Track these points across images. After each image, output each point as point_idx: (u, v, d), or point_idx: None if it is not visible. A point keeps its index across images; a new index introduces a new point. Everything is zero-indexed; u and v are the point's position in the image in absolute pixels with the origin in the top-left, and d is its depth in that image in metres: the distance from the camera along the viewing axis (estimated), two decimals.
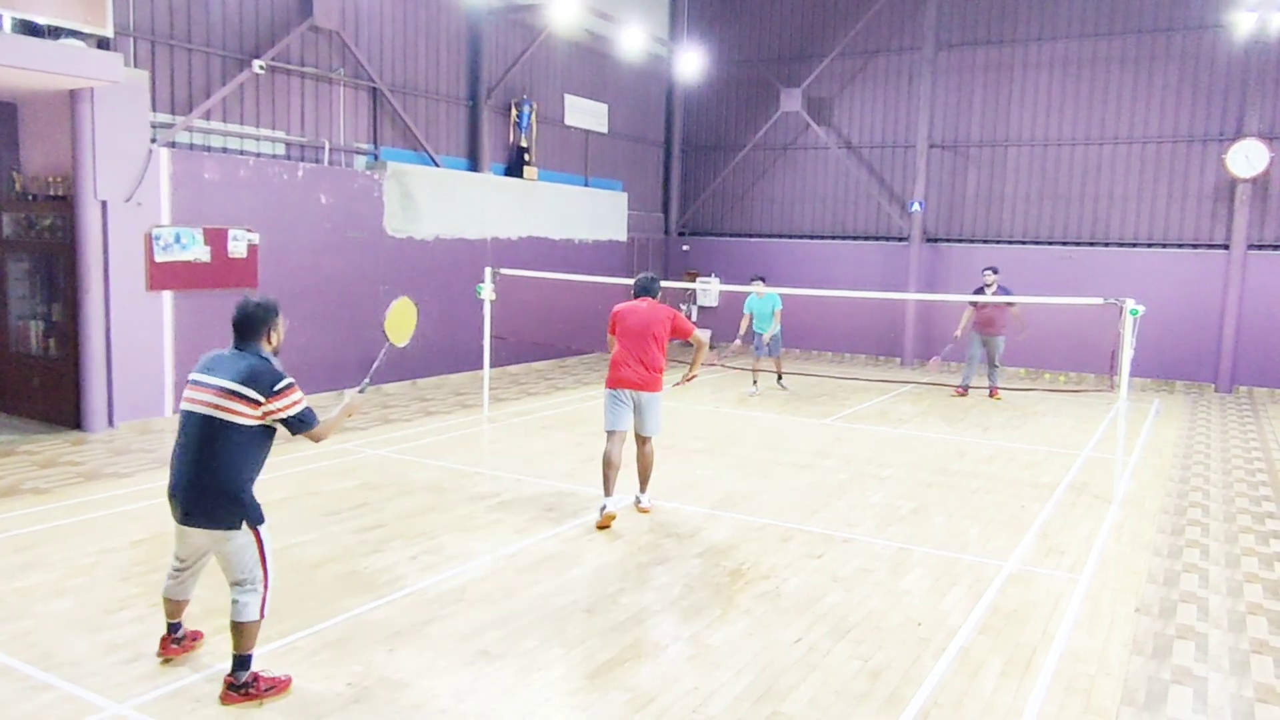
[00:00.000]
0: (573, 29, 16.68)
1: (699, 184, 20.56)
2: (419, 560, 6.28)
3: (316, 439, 4.54)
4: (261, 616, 4.36)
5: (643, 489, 7.65)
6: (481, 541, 6.71)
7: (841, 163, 18.78)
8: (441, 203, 13.90)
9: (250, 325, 4.47)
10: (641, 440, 7.49)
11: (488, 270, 11.51)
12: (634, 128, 19.50)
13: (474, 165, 15.26)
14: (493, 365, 12.20)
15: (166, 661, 4.70)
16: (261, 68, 11.58)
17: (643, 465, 7.56)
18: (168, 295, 10.32)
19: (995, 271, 13.81)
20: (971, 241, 17.68)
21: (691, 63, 17.92)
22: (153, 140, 10.33)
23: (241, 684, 4.30)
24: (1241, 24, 14.30)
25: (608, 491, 7.23)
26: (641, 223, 19.82)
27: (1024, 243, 17.20)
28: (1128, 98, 16.25)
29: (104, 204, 9.63)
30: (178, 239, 10.31)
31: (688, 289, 19.57)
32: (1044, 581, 6.25)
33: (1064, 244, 16.84)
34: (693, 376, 7.86)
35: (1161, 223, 16.19)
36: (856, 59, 18.53)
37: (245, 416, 4.25)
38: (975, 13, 17.33)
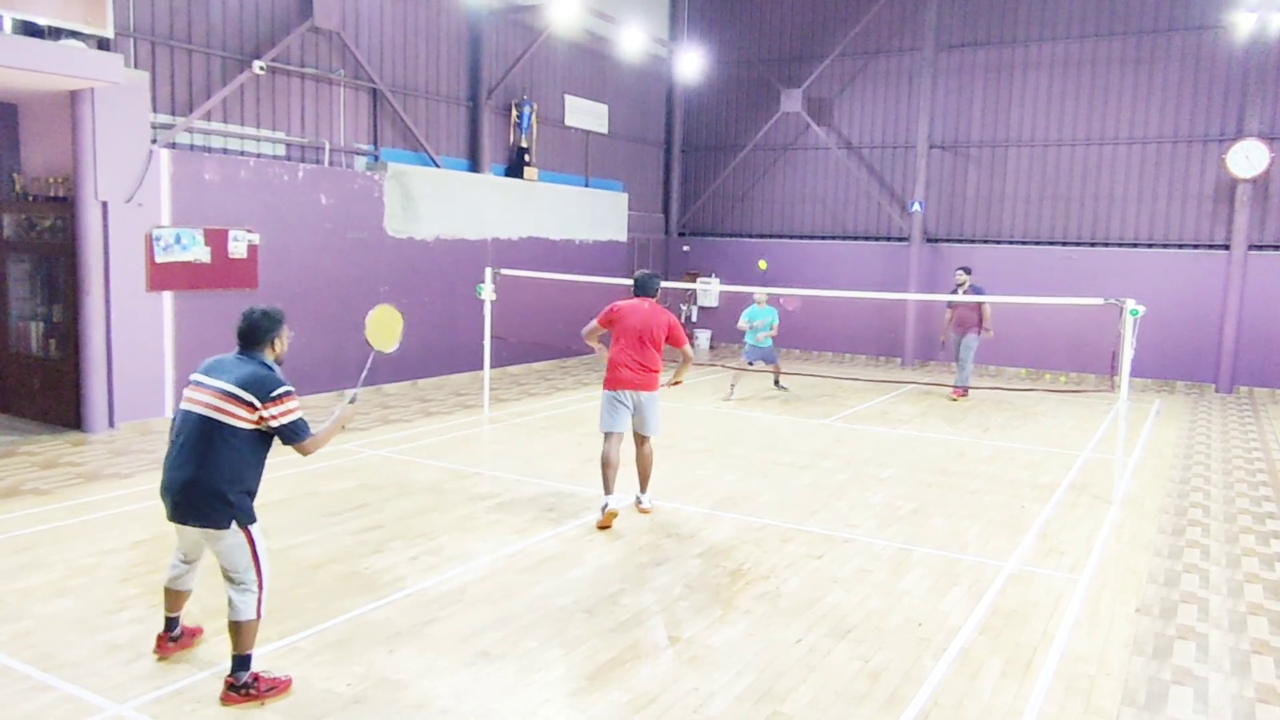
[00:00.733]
0: (573, 29, 16.69)
1: (699, 184, 20.57)
2: (419, 561, 6.28)
3: (305, 452, 4.58)
4: (258, 616, 4.37)
5: (643, 489, 7.62)
6: (482, 542, 6.71)
7: (842, 163, 18.78)
8: (442, 203, 13.90)
9: (255, 334, 4.50)
10: (640, 440, 7.46)
11: (488, 270, 11.52)
12: (634, 128, 19.50)
13: (474, 166, 15.27)
14: (493, 366, 12.21)
15: (163, 659, 4.73)
16: (262, 68, 11.58)
17: (642, 465, 7.52)
18: (168, 296, 10.33)
19: (968, 272, 13.73)
20: (972, 242, 17.68)
21: (692, 63, 17.92)
22: (153, 141, 10.34)
23: (241, 684, 4.31)
24: (1242, 24, 14.31)
25: (608, 490, 7.21)
26: (642, 223, 19.83)
27: (1024, 243, 17.20)
28: (1128, 98, 16.25)
29: (104, 205, 9.63)
30: (178, 240, 10.32)
31: (688, 289, 19.58)
32: (1044, 582, 6.25)
33: (1064, 244, 16.84)
34: (677, 383, 7.78)
35: (1162, 223, 16.19)
36: (857, 59, 18.53)
37: (242, 420, 4.30)
38: (975, 13, 17.33)
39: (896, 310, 17.79)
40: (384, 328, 5.46)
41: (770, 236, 19.64)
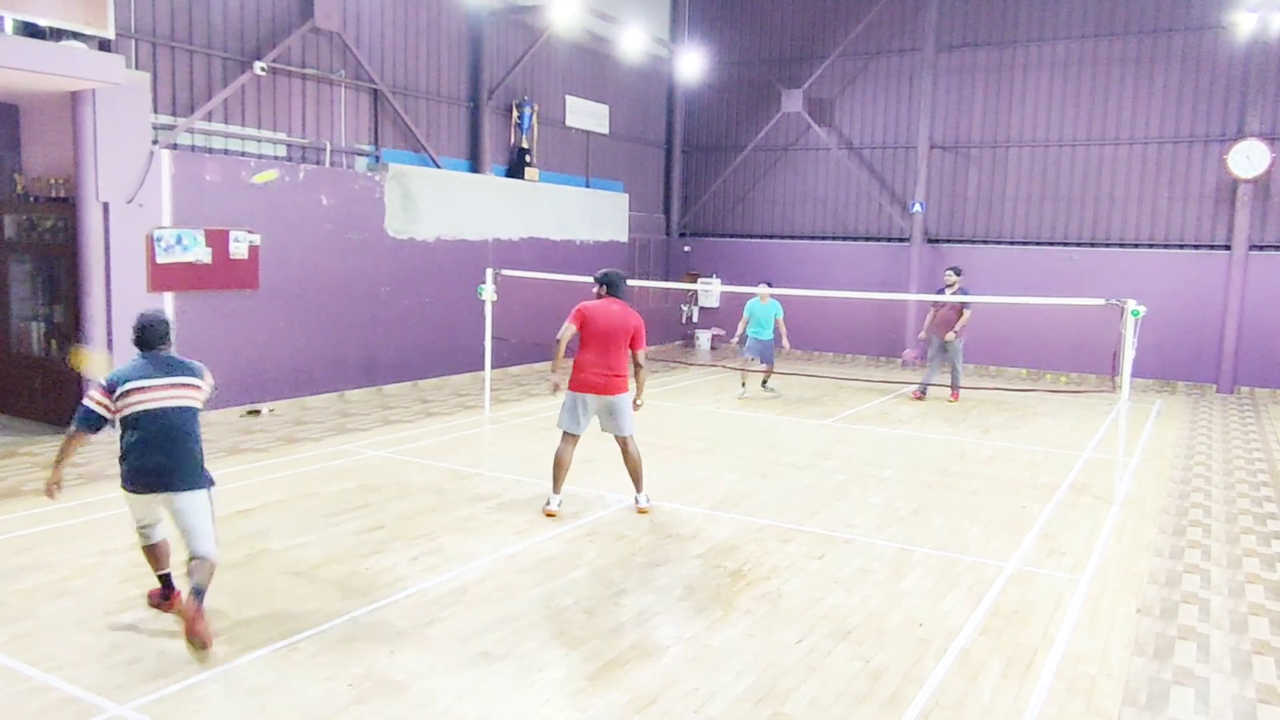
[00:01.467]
0: (574, 30, 16.69)
1: (700, 185, 20.57)
2: (420, 561, 6.28)
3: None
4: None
5: (638, 489, 7.58)
6: (482, 542, 6.72)
7: (842, 164, 18.78)
8: (442, 204, 13.90)
9: (163, 332, 5.14)
10: (621, 441, 7.42)
11: (489, 271, 11.51)
12: (635, 129, 19.51)
13: (475, 166, 15.27)
14: (494, 366, 12.21)
15: (156, 607, 5.28)
16: (262, 69, 11.59)
17: (631, 466, 7.48)
18: (169, 297, 10.33)
19: (958, 273, 13.54)
20: (972, 242, 17.68)
21: (692, 64, 17.92)
22: (154, 142, 10.35)
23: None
24: (1242, 24, 14.30)
25: (556, 488, 7.34)
26: (643, 224, 19.83)
27: (1025, 243, 17.20)
28: (1128, 98, 16.25)
29: (105, 205, 9.64)
30: (179, 240, 10.32)
31: (689, 290, 19.58)
32: (1045, 582, 6.25)
33: (1065, 244, 16.84)
34: (640, 403, 7.49)
35: (1163, 223, 16.18)
36: (857, 60, 18.53)
37: (201, 400, 5.19)
38: (976, 14, 17.33)
39: (897, 311, 17.79)
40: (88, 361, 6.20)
41: (771, 237, 19.64)
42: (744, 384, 13.85)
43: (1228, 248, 15.56)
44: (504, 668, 4.76)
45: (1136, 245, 16.33)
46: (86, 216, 9.56)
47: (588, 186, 18.05)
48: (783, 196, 19.60)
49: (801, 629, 5.34)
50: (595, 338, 7.17)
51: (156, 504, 5.03)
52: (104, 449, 9.18)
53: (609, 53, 17.90)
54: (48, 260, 10.26)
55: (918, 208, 17.69)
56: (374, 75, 13.23)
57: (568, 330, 7.27)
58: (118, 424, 4.96)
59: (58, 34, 8.79)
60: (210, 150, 11.31)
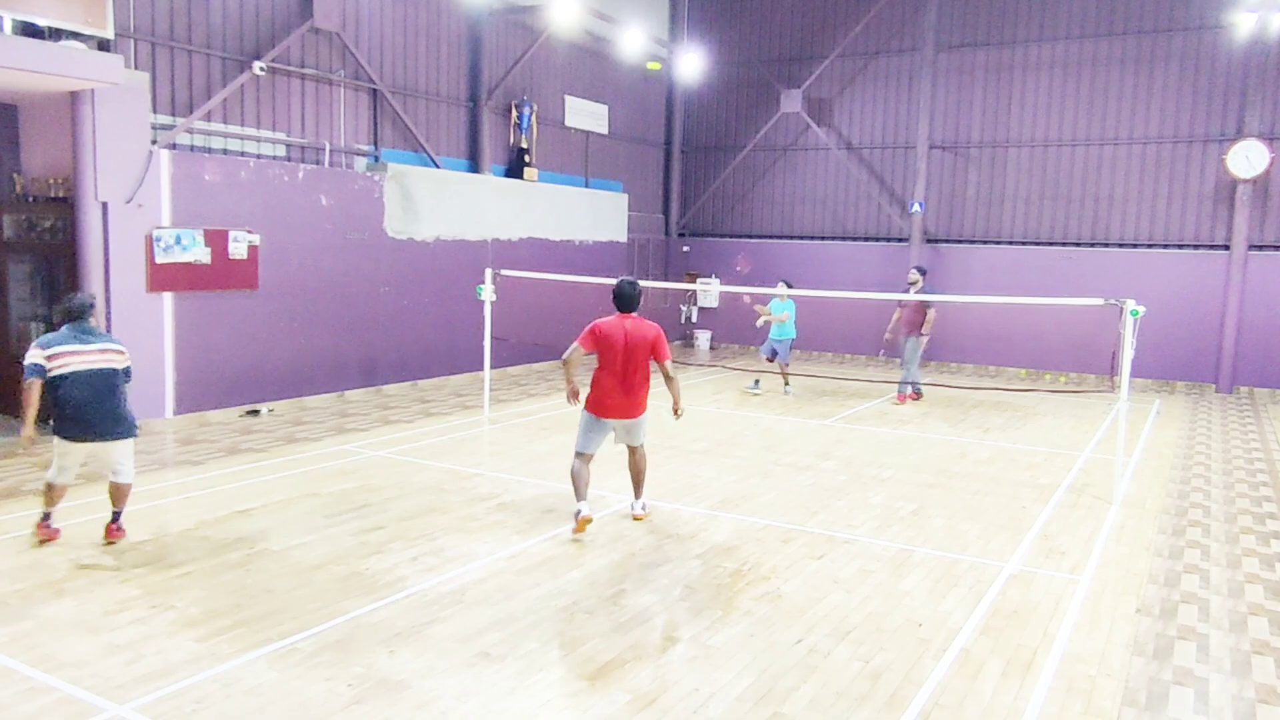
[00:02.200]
0: (573, 30, 16.69)
1: (699, 185, 20.57)
2: (420, 562, 6.28)
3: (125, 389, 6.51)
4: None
5: (637, 494, 7.37)
6: (482, 543, 6.71)
7: (842, 164, 18.78)
8: (442, 204, 13.90)
9: (87, 309, 6.35)
10: (632, 450, 7.24)
11: (488, 271, 11.51)
12: (634, 129, 19.51)
13: (474, 166, 15.27)
14: (493, 366, 12.21)
15: (43, 544, 6.28)
16: (262, 69, 11.59)
17: (636, 469, 7.28)
18: (168, 297, 10.32)
19: (923, 272, 13.54)
20: (972, 242, 17.68)
21: (691, 64, 17.92)
22: (153, 142, 10.34)
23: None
24: (1242, 24, 14.30)
25: (581, 496, 6.94)
26: (642, 224, 19.83)
27: (1024, 243, 17.20)
28: (1128, 98, 16.26)
29: (105, 205, 9.63)
30: (178, 240, 10.32)
31: (688, 290, 19.58)
32: (1044, 583, 6.25)
33: (1064, 245, 16.84)
34: (680, 410, 7.15)
35: (1162, 223, 16.19)
36: (857, 60, 18.53)
37: (121, 364, 6.36)
38: (975, 14, 17.33)
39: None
40: None
41: (770, 237, 19.64)
42: (757, 381, 13.98)
43: (1227, 248, 15.57)
44: (504, 668, 4.76)
45: (1136, 245, 16.34)
46: (85, 216, 9.56)
47: (587, 187, 18.05)
48: (782, 197, 19.60)
49: (801, 629, 5.34)
50: (613, 359, 6.83)
51: (84, 451, 6.22)
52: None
53: (608, 53, 17.90)
54: (47, 260, 10.25)
55: (917, 208, 17.69)
56: (373, 75, 13.23)
57: (576, 351, 6.93)
58: (48, 383, 6.05)
59: (57, 34, 8.79)
60: (209, 150, 11.30)
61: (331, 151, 12.78)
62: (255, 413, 11.19)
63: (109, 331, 9.75)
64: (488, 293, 11.27)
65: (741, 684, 4.65)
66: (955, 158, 17.74)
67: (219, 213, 10.77)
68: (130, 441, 6.38)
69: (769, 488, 8.52)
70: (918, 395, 13.80)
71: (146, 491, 7.69)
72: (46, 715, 4.18)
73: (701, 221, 20.64)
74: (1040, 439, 11.22)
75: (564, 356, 6.99)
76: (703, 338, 20.24)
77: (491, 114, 15.43)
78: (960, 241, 17.79)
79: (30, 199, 10.17)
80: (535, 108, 16.22)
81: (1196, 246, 15.91)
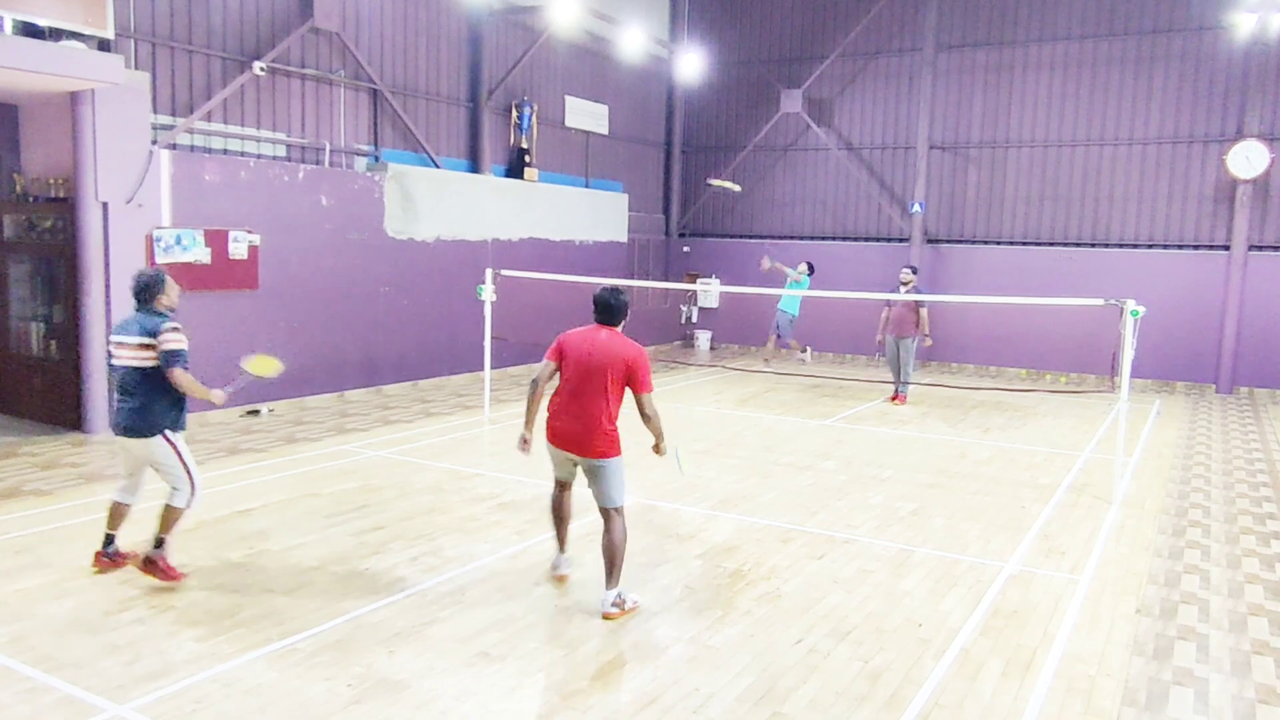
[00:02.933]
0: (573, 30, 16.69)
1: (700, 185, 20.57)
2: (419, 562, 6.28)
3: (173, 379, 5.54)
4: (188, 506, 5.76)
5: (609, 581, 5.51)
6: (482, 543, 6.72)
7: (842, 164, 18.78)
8: (442, 204, 13.90)
9: (141, 289, 5.63)
10: (603, 514, 5.59)
11: (488, 271, 11.51)
12: (634, 129, 19.50)
13: (474, 166, 15.27)
14: (494, 367, 12.20)
15: (100, 572, 5.80)
16: (262, 69, 11.59)
17: (606, 545, 5.53)
18: None
19: (914, 271, 13.30)
20: (972, 243, 17.68)
21: (692, 64, 17.91)
22: (153, 142, 10.34)
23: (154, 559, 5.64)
24: (1242, 25, 14.30)
25: (560, 545, 6.00)
26: (642, 224, 19.83)
27: (1024, 244, 17.20)
28: (1128, 99, 16.26)
29: (105, 205, 9.63)
30: (178, 240, 10.32)
31: (689, 290, 19.58)
32: (1044, 583, 6.25)
33: (1064, 245, 16.84)
34: (661, 448, 5.78)
35: (1162, 224, 16.19)
36: (857, 60, 18.53)
37: (151, 359, 5.53)
38: (975, 14, 17.33)
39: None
40: (265, 366, 6.30)
41: (771, 237, 19.63)
42: (805, 350, 15.14)
43: (1227, 248, 15.57)
44: (504, 668, 4.76)
45: (1136, 245, 16.34)
46: (86, 217, 9.56)
47: (587, 187, 18.05)
48: (782, 197, 19.61)
49: (801, 629, 5.34)
50: (571, 376, 5.57)
51: (125, 449, 5.76)
52: (104, 449, 9.19)
53: (608, 53, 17.90)
54: (47, 260, 10.25)
55: (917, 208, 17.69)
56: (373, 75, 13.23)
57: (545, 369, 5.70)
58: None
59: (57, 34, 8.80)
60: (209, 150, 11.30)
61: (331, 152, 12.78)
62: (255, 413, 11.20)
63: (110, 332, 9.76)
64: (488, 293, 11.27)
65: (741, 684, 4.66)
66: (955, 158, 17.74)
67: (219, 213, 10.78)
68: (156, 441, 5.62)
69: (769, 488, 8.52)
70: (902, 397, 13.59)
71: (146, 491, 7.68)
72: (46, 715, 4.19)
73: (702, 222, 20.64)
74: (1040, 439, 11.22)
75: (534, 378, 5.76)
76: (703, 338, 20.25)
77: (492, 114, 15.43)
78: (960, 242, 17.79)
79: (30, 199, 10.17)
80: (535, 108, 16.22)
81: (1196, 247, 15.91)
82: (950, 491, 8.61)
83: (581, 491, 5.90)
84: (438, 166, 14.35)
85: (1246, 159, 15.03)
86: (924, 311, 13.11)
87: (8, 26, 8.44)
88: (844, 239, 18.91)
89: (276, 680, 4.54)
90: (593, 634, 5.20)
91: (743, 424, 11.66)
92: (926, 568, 6.46)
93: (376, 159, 13.47)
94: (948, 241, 17.89)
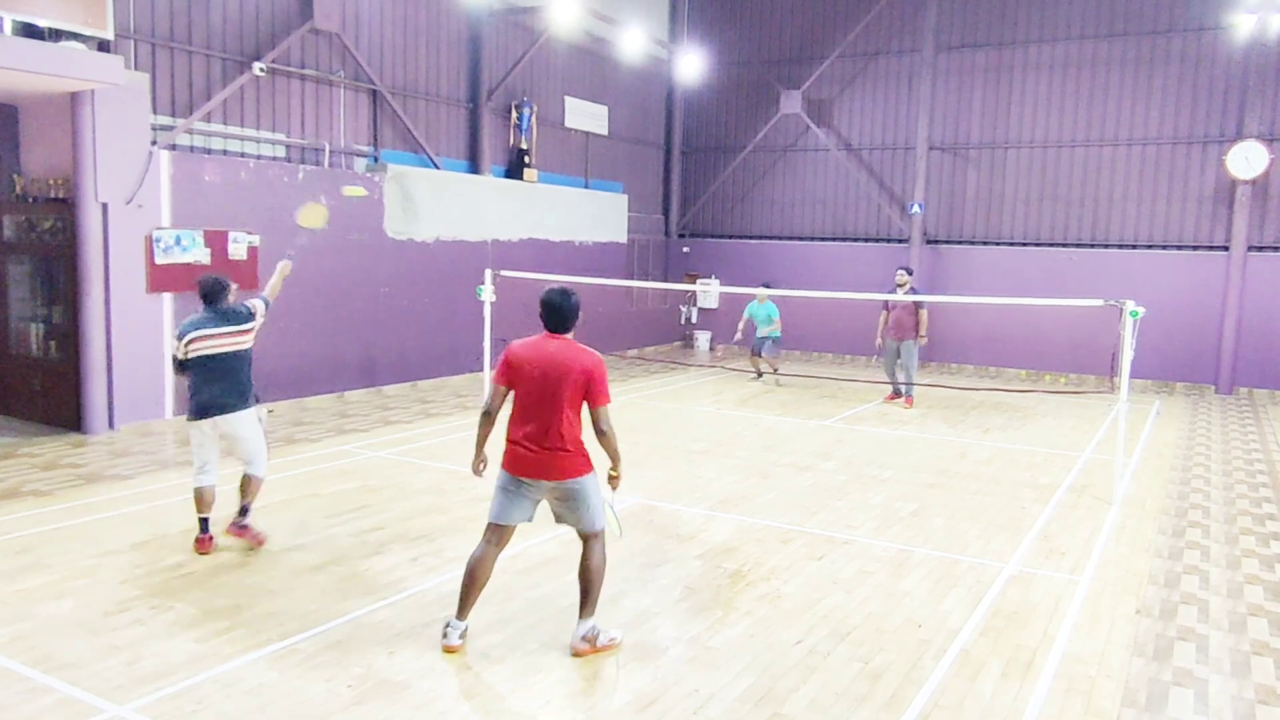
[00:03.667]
0: (573, 31, 16.70)
1: (699, 186, 20.57)
2: (419, 562, 6.28)
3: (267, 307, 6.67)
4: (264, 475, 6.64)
5: (584, 611, 5.00)
6: None
7: (841, 164, 18.79)
8: (442, 204, 13.90)
9: (215, 289, 6.36)
10: (583, 539, 5.09)
11: (488, 272, 11.52)
12: (634, 130, 19.51)
13: (474, 167, 15.27)
14: (493, 367, 12.19)
15: (203, 554, 6.23)
16: (262, 70, 11.59)
17: (586, 574, 5.04)
18: (168, 297, 10.33)
19: (910, 272, 13.22)
20: (971, 243, 17.69)
21: (691, 65, 17.93)
22: (153, 142, 10.34)
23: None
24: (1241, 26, 14.31)
25: (460, 611, 4.99)
26: (642, 224, 19.84)
27: (1024, 244, 17.21)
28: (1128, 99, 16.26)
29: (104, 206, 9.63)
30: (178, 241, 10.32)
31: (688, 290, 19.59)
32: (1044, 583, 6.25)
33: (1064, 245, 16.85)
34: (617, 478, 5.15)
35: (1161, 224, 16.19)
36: (856, 61, 18.54)
37: (247, 343, 6.42)
38: (975, 15, 17.34)
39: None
40: (314, 217, 7.10)
41: (770, 238, 19.64)
42: (759, 375, 15.09)
43: (1226, 249, 15.57)
44: (504, 669, 4.76)
45: (1135, 246, 16.34)
46: (85, 217, 9.56)
47: (587, 187, 18.05)
48: (782, 197, 19.61)
49: (801, 630, 5.35)
50: (524, 395, 4.89)
51: (210, 428, 6.34)
52: (103, 449, 9.18)
53: (608, 54, 17.90)
54: (47, 261, 10.25)
55: (917, 209, 17.69)
56: (373, 76, 13.23)
57: (496, 397, 5.00)
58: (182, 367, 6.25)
59: (57, 34, 8.80)
60: (209, 151, 11.30)
61: (331, 152, 12.78)
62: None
63: (110, 332, 9.76)
64: (488, 293, 11.27)
65: (741, 684, 4.66)
66: (955, 158, 17.74)
67: (219, 213, 10.78)
68: (248, 413, 6.47)
69: (769, 488, 8.52)
70: (898, 395, 13.56)
71: (147, 492, 7.70)
72: (46, 716, 4.18)
73: (701, 222, 20.64)
74: (1040, 439, 11.23)
75: (484, 409, 5.06)
76: (702, 338, 20.25)
77: (491, 115, 15.43)
78: (960, 242, 17.80)
79: (30, 199, 10.17)
80: (535, 108, 16.22)
81: (1196, 247, 15.91)
82: (950, 492, 8.61)
83: (532, 526, 5.35)
84: (437, 167, 14.36)
85: (1246, 159, 15.03)
86: (924, 313, 13.07)
87: (8, 27, 8.45)
88: (843, 239, 18.91)
89: (277, 681, 4.54)
90: None
91: (742, 424, 11.66)
92: (926, 568, 6.47)
93: (376, 159, 13.47)
94: (947, 242, 17.89)
